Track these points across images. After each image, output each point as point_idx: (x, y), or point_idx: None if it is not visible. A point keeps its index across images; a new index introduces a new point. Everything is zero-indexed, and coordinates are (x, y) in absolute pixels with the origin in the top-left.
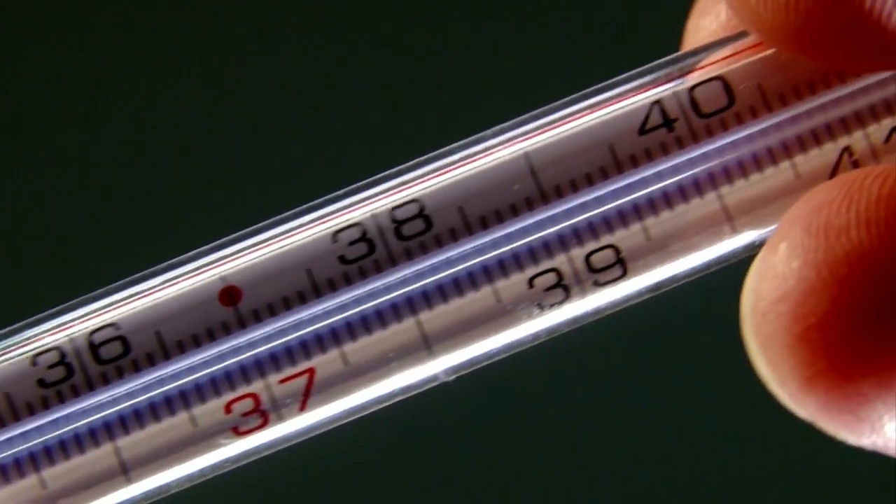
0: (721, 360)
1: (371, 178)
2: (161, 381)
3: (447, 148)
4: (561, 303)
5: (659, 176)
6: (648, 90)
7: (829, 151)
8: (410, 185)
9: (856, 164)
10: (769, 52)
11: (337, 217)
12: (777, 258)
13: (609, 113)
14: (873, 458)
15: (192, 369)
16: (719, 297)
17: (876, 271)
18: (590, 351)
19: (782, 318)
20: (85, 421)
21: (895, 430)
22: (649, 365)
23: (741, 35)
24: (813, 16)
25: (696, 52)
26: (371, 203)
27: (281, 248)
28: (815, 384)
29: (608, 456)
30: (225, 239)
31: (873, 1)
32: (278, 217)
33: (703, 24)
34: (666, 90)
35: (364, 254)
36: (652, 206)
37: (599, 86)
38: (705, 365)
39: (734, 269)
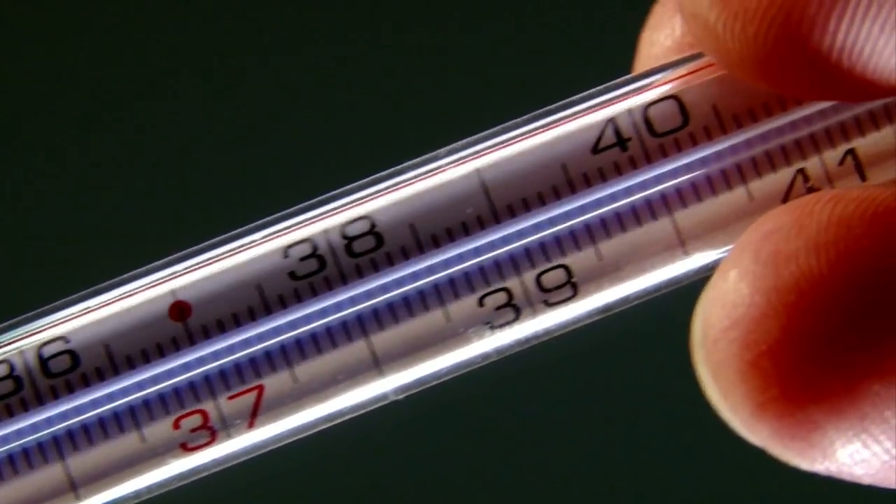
0: (676, 382)
1: (323, 196)
2: (110, 397)
3: (400, 166)
4: (511, 322)
5: (612, 197)
6: (603, 108)
7: (783, 174)
8: (362, 201)
9: (810, 188)
10: (725, 72)
11: (288, 233)
12: (727, 285)
13: (563, 131)
14: (826, 483)
15: (140, 385)
16: (675, 318)
17: (826, 297)
18: (544, 371)
19: (733, 345)
20: (34, 436)
21: (848, 456)
22: (604, 385)
23: (697, 56)
24: (779, 48)
25: (650, 74)
26: (322, 219)
27: (232, 263)
28: (767, 411)
29: (561, 477)
30: (176, 255)
31: (834, 37)
32: (230, 234)
33: (657, 39)
34: (620, 108)
35: (315, 270)
36: (604, 226)
37: (552, 106)
38: (660, 386)
39: (692, 289)
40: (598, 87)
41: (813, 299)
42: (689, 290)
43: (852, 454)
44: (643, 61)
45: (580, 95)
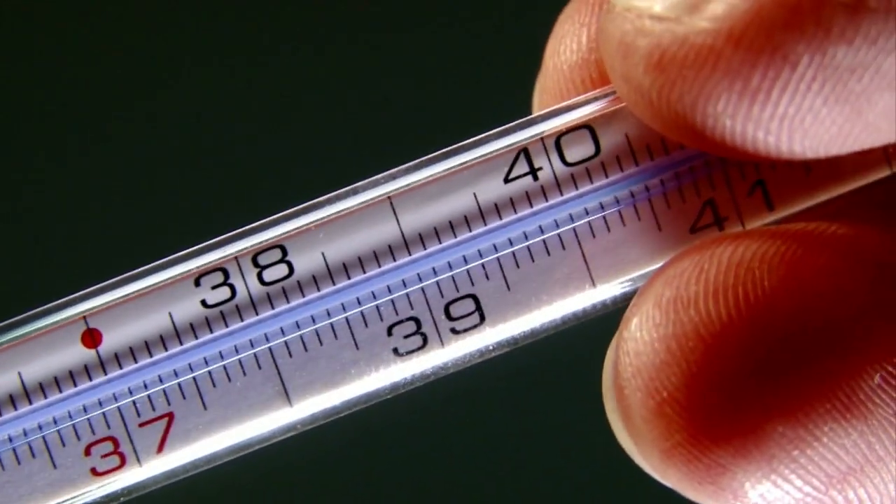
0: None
1: (235, 231)
2: (22, 423)
3: (314, 201)
4: (419, 350)
5: (521, 226)
6: (515, 137)
7: (691, 204)
8: (274, 228)
9: (717, 218)
10: None
11: (200, 261)
12: (630, 333)
13: (474, 160)
14: None
15: (52, 411)
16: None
17: (726, 342)
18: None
19: (638, 392)
20: None
21: (759, 497)
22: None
23: (612, 92)
24: (717, 119)
25: (563, 111)
26: (234, 248)
27: (144, 290)
28: (674, 456)
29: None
30: (91, 288)
31: (776, 108)
32: (142, 269)
33: (563, 52)
34: (532, 137)
35: (226, 298)
36: (513, 256)
37: (466, 142)
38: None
39: None
40: (511, 124)
41: (713, 344)
42: None
43: (764, 494)
44: (548, 73)
45: (494, 131)
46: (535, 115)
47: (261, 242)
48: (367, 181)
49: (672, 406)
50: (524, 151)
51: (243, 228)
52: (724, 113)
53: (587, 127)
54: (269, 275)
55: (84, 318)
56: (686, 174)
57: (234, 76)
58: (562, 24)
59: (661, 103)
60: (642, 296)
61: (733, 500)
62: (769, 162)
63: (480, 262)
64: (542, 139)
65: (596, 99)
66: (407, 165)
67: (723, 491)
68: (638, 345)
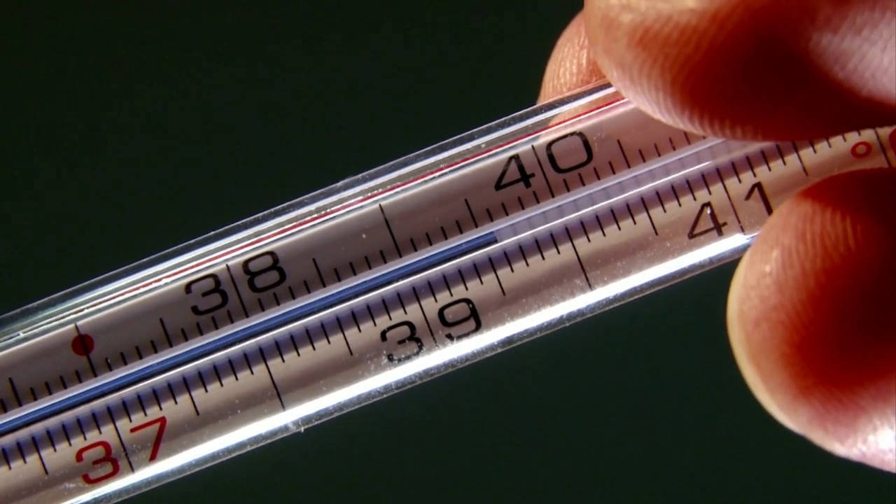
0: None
1: (225, 227)
2: (13, 428)
3: (301, 198)
4: (414, 356)
5: (514, 230)
6: (506, 145)
7: (688, 206)
8: (265, 236)
9: (715, 219)
10: (629, 107)
11: (191, 268)
12: (770, 266)
13: (466, 167)
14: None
15: (44, 417)
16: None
17: (880, 281)
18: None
19: (778, 327)
20: None
21: (892, 440)
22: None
23: (602, 87)
24: (697, 94)
25: (554, 105)
26: (225, 254)
27: (135, 297)
28: (811, 395)
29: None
30: (79, 286)
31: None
32: (133, 265)
33: (562, 74)
34: (524, 145)
35: (217, 305)
36: (507, 259)
37: (456, 137)
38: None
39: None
40: (503, 119)
41: (866, 283)
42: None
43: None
44: (548, 96)
45: (484, 127)
46: (526, 110)
47: (252, 241)
48: (351, 179)
49: (817, 343)
50: (515, 159)
51: (231, 225)
52: (706, 92)
53: (578, 134)
54: (260, 281)
55: (75, 324)
56: (680, 176)
57: (229, 82)
58: (561, 48)
59: (641, 80)
60: (776, 230)
61: (862, 443)
62: (738, 140)
63: (473, 264)
64: (533, 147)
65: (585, 94)
66: (394, 162)
67: (854, 433)
68: (781, 277)
